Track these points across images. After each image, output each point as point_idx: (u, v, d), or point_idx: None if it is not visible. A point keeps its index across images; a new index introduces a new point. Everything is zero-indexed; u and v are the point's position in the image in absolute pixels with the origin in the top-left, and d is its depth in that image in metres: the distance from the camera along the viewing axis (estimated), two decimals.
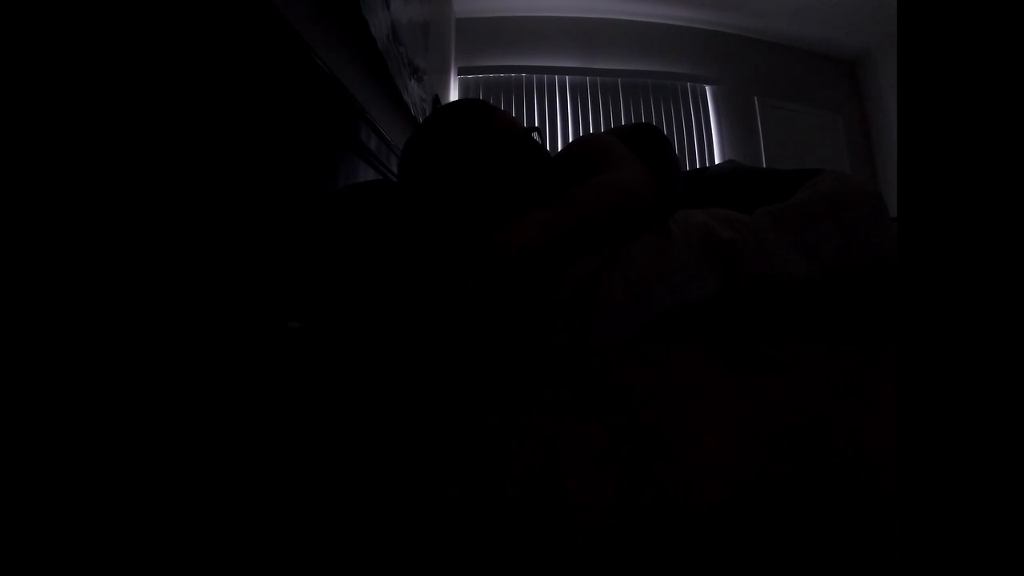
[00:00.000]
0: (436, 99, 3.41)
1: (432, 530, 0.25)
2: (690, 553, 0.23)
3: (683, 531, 0.25)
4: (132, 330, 0.56)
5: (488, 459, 0.33)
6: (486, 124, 1.16)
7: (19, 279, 0.43)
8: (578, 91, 5.23)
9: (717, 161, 5.23)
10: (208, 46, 0.75)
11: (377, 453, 0.35)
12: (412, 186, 1.13)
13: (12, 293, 0.42)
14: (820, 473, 0.30)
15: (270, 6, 0.89)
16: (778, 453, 0.33)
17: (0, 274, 0.41)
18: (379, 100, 1.90)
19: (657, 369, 0.60)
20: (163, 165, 0.64)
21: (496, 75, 5.10)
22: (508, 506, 0.28)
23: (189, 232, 0.68)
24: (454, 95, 4.81)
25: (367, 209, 0.97)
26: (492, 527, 0.25)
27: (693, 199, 1.25)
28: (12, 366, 0.40)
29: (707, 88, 5.51)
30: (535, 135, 1.24)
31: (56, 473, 0.34)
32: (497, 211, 1.02)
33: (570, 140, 4.90)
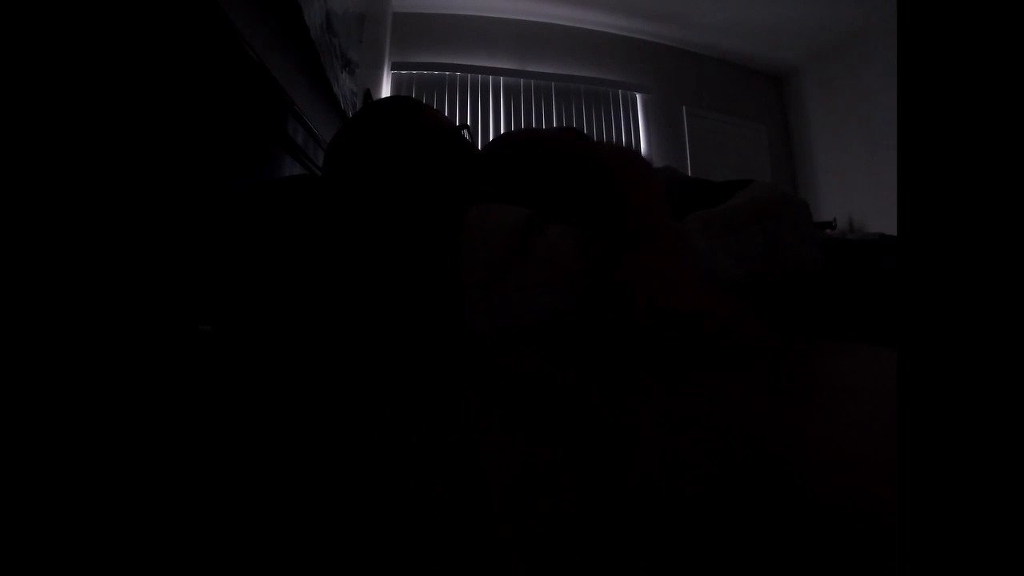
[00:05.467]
0: (367, 94, 3.34)
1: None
2: (617, 551, 0.22)
3: (612, 532, 0.23)
4: (20, 333, 0.51)
5: (411, 469, 0.31)
6: (415, 119, 1.18)
7: None
8: (512, 93, 5.24)
9: None
10: (115, 17, 0.69)
11: (290, 465, 0.32)
12: (338, 181, 1.12)
13: None
14: (745, 467, 0.30)
15: None
16: (712, 453, 0.32)
17: None
18: (308, 92, 1.84)
19: (578, 367, 0.59)
20: (59, 154, 0.59)
21: (430, 72, 5.05)
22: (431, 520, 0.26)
23: (87, 228, 0.63)
24: (387, 90, 4.74)
25: (290, 206, 0.94)
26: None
27: None
28: None
29: (638, 96, 5.62)
30: (465, 132, 1.26)
31: None
32: (425, 207, 1.02)
33: None
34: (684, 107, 5.77)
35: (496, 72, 5.20)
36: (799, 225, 1.00)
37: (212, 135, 0.97)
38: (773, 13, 5.10)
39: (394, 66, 4.92)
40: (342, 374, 0.58)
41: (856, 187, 5.37)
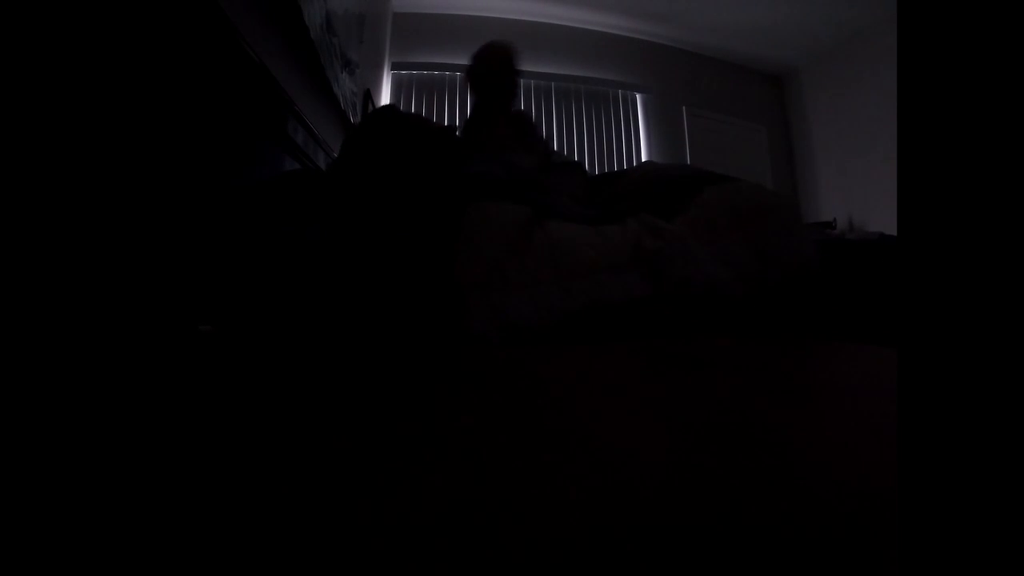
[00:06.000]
0: (368, 94, 3.34)
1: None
2: (618, 553, 0.22)
3: (608, 533, 0.23)
4: (21, 334, 0.51)
5: (410, 469, 0.31)
6: (398, 121, 1.28)
7: None
8: None
9: None
10: (115, 18, 0.69)
11: (291, 465, 0.32)
12: (335, 176, 1.17)
13: None
14: (745, 467, 0.30)
15: None
16: (713, 453, 0.32)
17: None
18: (308, 92, 1.84)
19: (579, 368, 0.59)
20: (61, 154, 0.58)
21: (430, 72, 5.04)
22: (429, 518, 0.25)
23: (89, 228, 0.63)
24: (386, 90, 4.73)
25: (283, 203, 0.95)
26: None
27: (614, 198, 1.30)
28: None
29: (638, 96, 5.61)
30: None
31: None
32: (414, 202, 1.05)
33: None
34: (684, 107, 5.77)
35: None
36: (784, 228, 1.00)
37: (212, 135, 0.97)
38: (773, 13, 5.10)
39: (394, 66, 4.91)
40: (341, 375, 0.57)
41: (856, 187, 5.36)
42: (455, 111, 5.02)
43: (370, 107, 3.34)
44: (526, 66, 5.21)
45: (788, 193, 5.96)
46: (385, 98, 4.65)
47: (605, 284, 0.90)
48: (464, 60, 5.13)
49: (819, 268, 1.00)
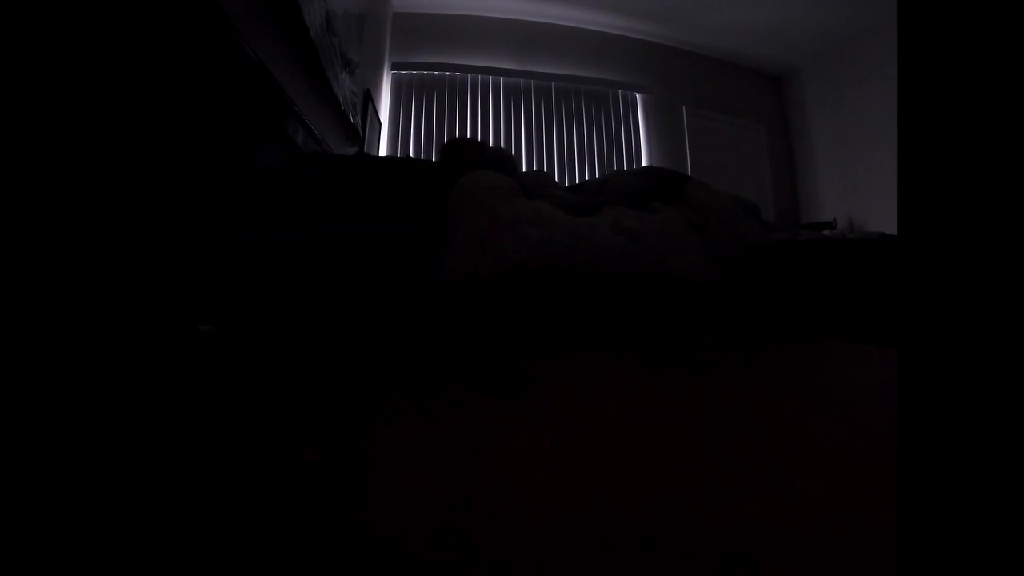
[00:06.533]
0: (368, 94, 3.34)
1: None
2: (618, 545, 0.22)
3: (612, 529, 0.23)
4: (20, 333, 0.51)
5: (414, 463, 0.31)
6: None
7: None
8: (512, 93, 5.24)
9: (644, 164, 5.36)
10: (112, 18, 0.69)
11: (291, 462, 0.32)
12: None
13: None
14: (748, 472, 0.30)
15: None
16: (712, 453, 0.32)
17: None
18: (308, 92, 1.84)
19: (578, 367, 0.59)
20: (63, 153, 0.59)
21: (430, 72, 5.04)
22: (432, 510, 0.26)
23: (90, 228, 0.63)
24: (386, 90, 4.73)
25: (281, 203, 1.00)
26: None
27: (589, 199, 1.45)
28: None
29: (638, 96, 5.62)
30: None
31: None
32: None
33: (502, 141, 5.01)
34: (684, 107, 5.77)
35: (496, 72, 5.20)
36: (729, 228, 1.19)
37: (212, 135, 0.97)
38: (773, 13, 5.10)
39: (394, 66, 4.92)
40: (340, 371, 0.58)
41: (856, 187, 5.37)
42: (455, 111, 5.03)
43: (369, 107, 3.35)
44: (526, 66, 5.24)
45: (736, 197, 5.97)
46: (385, 98, 4.65)
47: (586, 226, 0.99)
48: (464, 60, 5.15)
49: (748, 268, 1.11)
